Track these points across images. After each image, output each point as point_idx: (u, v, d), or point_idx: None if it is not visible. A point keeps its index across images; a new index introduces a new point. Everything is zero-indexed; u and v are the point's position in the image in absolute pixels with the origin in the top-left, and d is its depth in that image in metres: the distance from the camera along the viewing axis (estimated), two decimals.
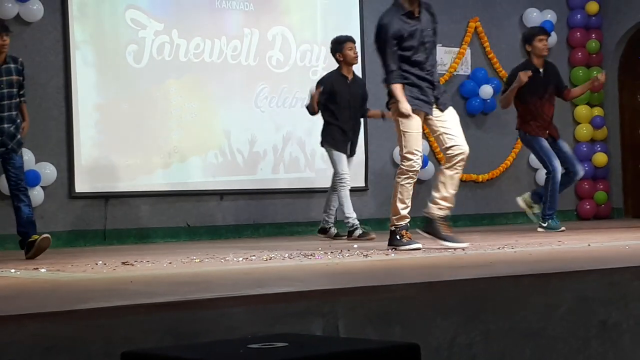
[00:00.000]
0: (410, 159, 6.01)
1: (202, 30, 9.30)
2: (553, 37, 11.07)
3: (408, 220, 6.10)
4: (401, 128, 6.03)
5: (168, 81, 9.13)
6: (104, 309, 2.88)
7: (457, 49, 10.74)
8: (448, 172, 6.07)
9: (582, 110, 11.31)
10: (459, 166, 6.04)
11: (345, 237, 8.22)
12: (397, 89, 6.02)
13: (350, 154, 8.39)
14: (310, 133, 9.81)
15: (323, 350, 2.29)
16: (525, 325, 3.41)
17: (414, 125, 6.02)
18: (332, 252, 5.96)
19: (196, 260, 5.62)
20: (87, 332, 2.70)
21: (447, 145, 6.05)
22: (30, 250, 6.71)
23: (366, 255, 5.59)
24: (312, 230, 9.75)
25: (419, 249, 5.94)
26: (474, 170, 10.73)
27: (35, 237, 6.75)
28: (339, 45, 8.41)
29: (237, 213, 9.43)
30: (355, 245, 6.74)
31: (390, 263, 5.07)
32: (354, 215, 8.19)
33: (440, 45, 10.64)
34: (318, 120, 10.07)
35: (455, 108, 6.23)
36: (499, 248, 5.81)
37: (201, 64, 9.27)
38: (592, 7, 11.31)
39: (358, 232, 8.12)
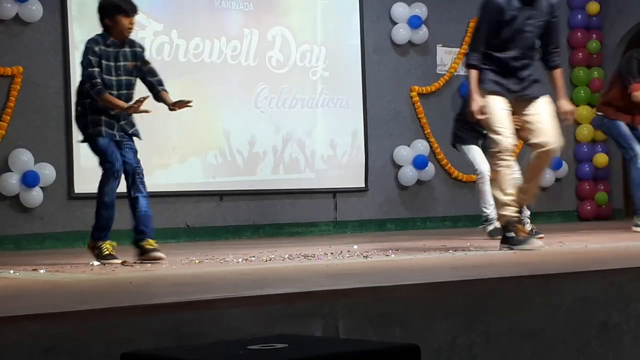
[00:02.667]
0: None
1: (202, 31, 9.29)
2: None
3: None
4: None
5: (167, 81, 9.04)
6: (104, 309, 2.88)
7: (458, 49, 10.72)
8: None
9: (583, 111, 11.30)
10: None
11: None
12: None
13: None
14: (310, 134, 9.81)
15: (323, 351, 2.29)
16: (525, 326, 3.41)
17: None
18: (332, 253, 5.96)
19: (196, 261, 5.62)
20: (87, 333, 2.70)
21: None
22: (143, 255, 5.78)
23: (366, 256, 5.59)
24: (312, 231, 9.75)
25: None
26: (474, 171, 10.70)
27: (150, 244, 5.81)
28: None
29: (236, 214, 9.42)
30: (355, 247, 6.73)
31: (390, 264, 5.07)
32: (489, 210, 7.43)
33: (440, 45, 10.66)
34: (318, 121, 10.03)
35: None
36: (499, 249, 5.81)
37: (201, 65, 9.27)
38: (593, 8, 11.30)
39: (490, 227, 7.41)
